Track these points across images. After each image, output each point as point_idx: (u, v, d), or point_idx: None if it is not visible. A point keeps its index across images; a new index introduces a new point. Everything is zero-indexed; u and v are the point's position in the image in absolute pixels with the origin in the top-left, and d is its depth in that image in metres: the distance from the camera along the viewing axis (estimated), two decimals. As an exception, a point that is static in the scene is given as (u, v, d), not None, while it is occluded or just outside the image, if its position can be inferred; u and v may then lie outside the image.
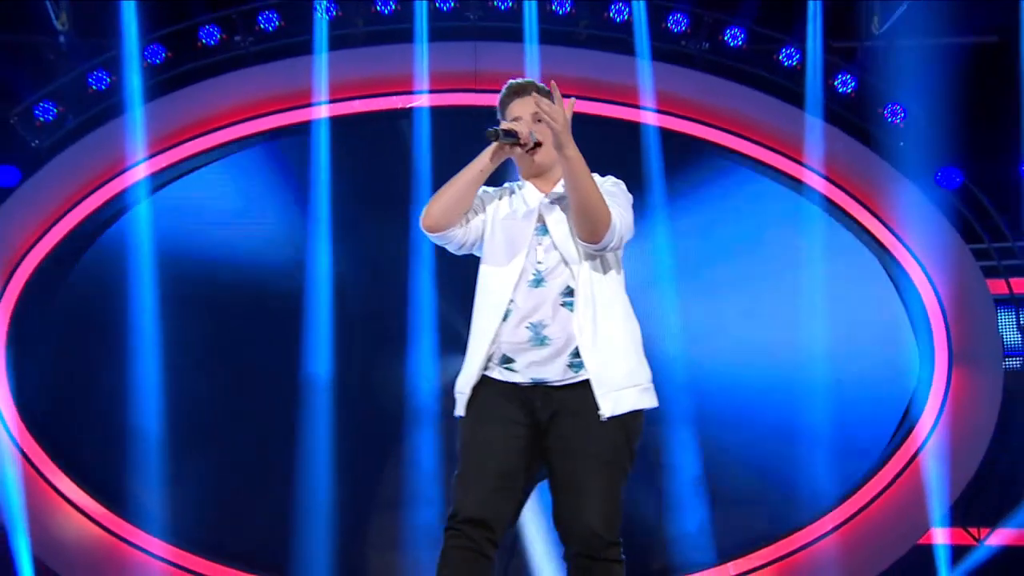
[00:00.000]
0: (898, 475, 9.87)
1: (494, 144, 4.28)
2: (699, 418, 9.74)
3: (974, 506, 9.85)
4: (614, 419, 4.11)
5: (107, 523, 9.63)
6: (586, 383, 4.13)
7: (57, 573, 9.52)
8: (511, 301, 4.23)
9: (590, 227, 4.14)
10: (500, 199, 4.50)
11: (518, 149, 4.33)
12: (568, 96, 4.27)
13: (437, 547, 9.82)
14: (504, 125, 4.35)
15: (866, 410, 10.00)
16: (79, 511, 9.61)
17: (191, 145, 10.11)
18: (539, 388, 4.19)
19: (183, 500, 9.67)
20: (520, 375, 4.21)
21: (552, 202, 4.38)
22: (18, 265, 9.81)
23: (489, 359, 4.25)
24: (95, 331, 9.86)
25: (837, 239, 10.18)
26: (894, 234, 10.13)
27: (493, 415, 4.21)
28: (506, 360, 4.23)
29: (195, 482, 9.75)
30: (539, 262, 4.26)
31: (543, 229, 4.32)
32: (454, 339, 9.63)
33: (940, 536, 9.73)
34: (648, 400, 4.22)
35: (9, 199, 9.88)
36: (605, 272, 4.27)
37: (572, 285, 4.22)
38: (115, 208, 9.99)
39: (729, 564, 9.77)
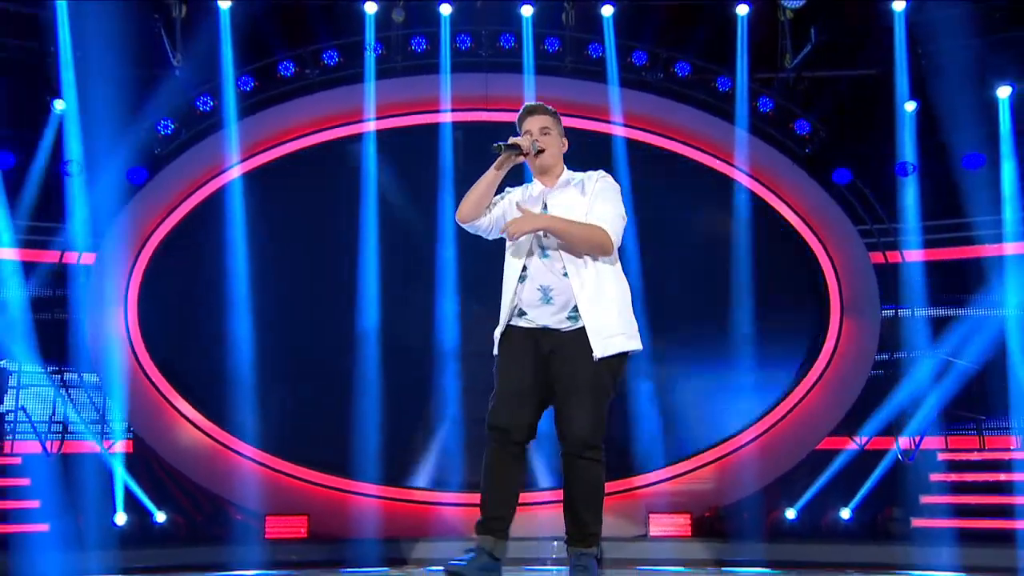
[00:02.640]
0: (802, 398, 10.25)
1: (501, 155, 4.45)
2: (655, 358, 9.88)
3: (857, 420, 10.12)
4: (603, 358, 4.30)
5: (212, 432, 10.01)
6: (582, 329, 4.31)
7: (177, 469, 9.88)
8: (524, 268, 4.44)
9: (597, 250, 4.38)
10: (515, 195, 4.66)
11: (522, 157, 4.47)
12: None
13: (457, 452, 10.39)
14: (510, 140, 4.47)
15: (780, 349, 10.32)
16: (191, 423, 10.00)
17: (272, 152, 10.44)
18: (546, 331, 4.39)
19: (269, 417, 9.89)
20: (531, 322, 4.42)
21: (554, 191, 4.57)
22: (147, 240, 10.17)
23: (512, 312, 4.46)
24: (203, 289, 10.04)
25: (759, 222, 10.43)
26: (801, 218, 10.53)
27: (514, 354, 4.42)
28: (522, 313, 4.44)
29: (278, 404, 10.02)
30: (545, 237, 4.42)
31: (546, 210, 4.50)
32: (469, 301, 9.95)
33: (832, 443, 10.09)
34: (633, 344, 4.36)
35: (139, 192, 10.17)
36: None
37: (568, 257, 4.40)
38: (216, 199, 10.26)
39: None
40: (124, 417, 9.82)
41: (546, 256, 4.42)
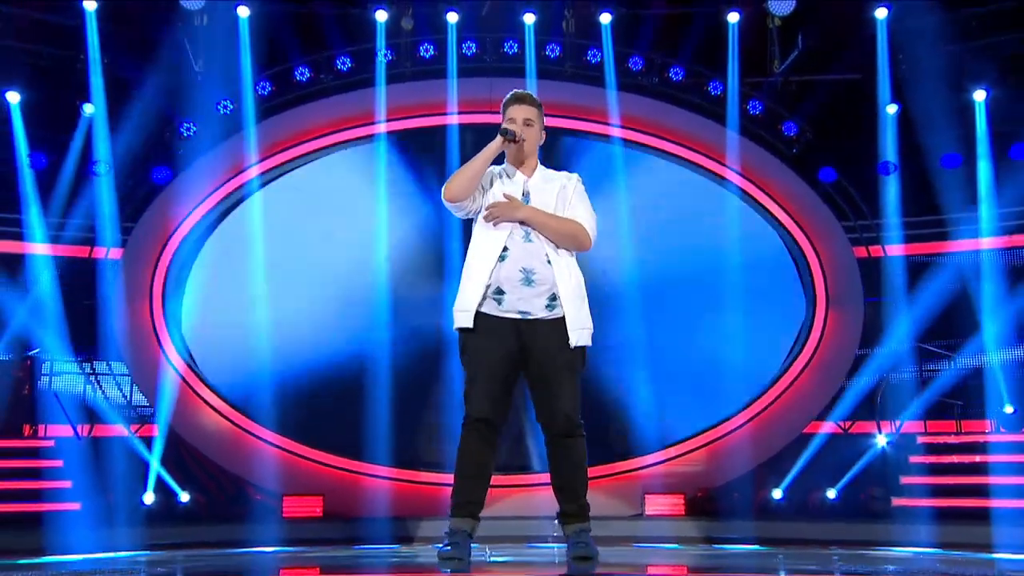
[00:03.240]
0: (790, 384, 10.31)
1: (500, 139, 4.46)
2: (651, 346, 10.02)
3: (841, 405, 10.13)
4: (577, 347, 4.38)
5: (232, 417, 10.06)
6: (560, 319, 4.35)
7: (200, 452, 9.94)
8: (505, 248, 4.37)
9: (576, 245, 4.45)
10: (493, 178, 4.59)
11: (512, 144, 4.49)
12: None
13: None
14: (510, 127, 4.50)
15: (770, 339, 10.37)
16: (213, 409, 10.05)
17: (289, 152, 10.47)
18: (524, 320, 4.33)
19: (286, 402, 9.91)
20: (507, 307, 4.32)
21: (534, 182, 4.57)
22: (172, 234, 10.21)
23: (487, 292, 4.33)
24: (223, 282, 10.11)
25: (749, 218, 10.54)
26: (788, 214, 10.57)
27: (492, 345, 4.31)
28: (498, 291, 4.33)
29: (295, 390, 9.98)
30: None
31: (527, 199, 4.50)
32: None
33: (817, 427, 10.15)
34: (589, 341, 4.44)
35: (165, 190, 10.24)
36: None
37: (551, 247, 4.41)
38: (236, 196, 10.35)
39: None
40: (150, 403, 9.89)
41: (530, 241, 4.40)
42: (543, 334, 4.34)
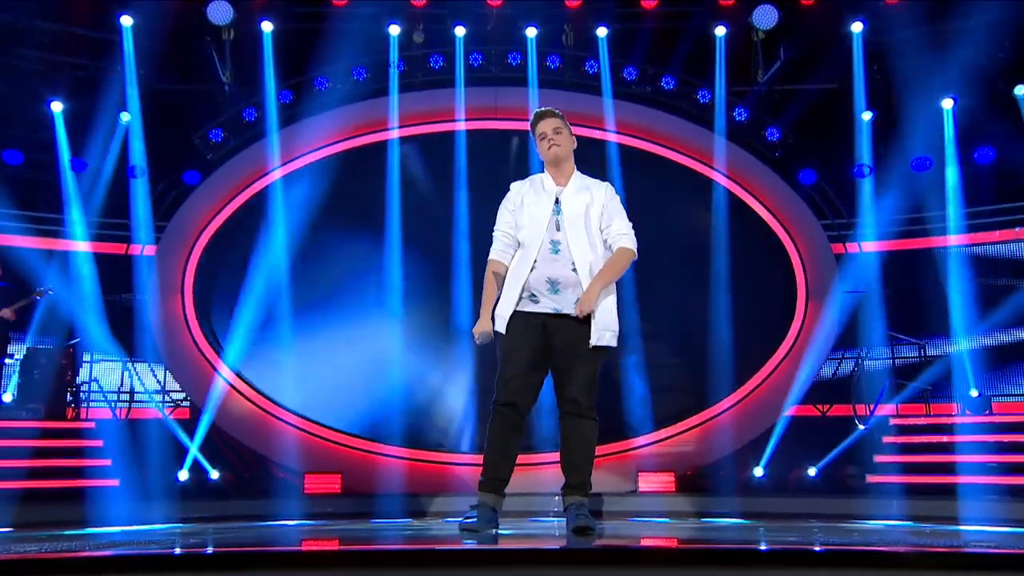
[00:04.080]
0: (774, 370, 10.42)
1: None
2: (646, 336, 10.07)
3: (820, 391, 10.32)
4: (596, 346, 4.42)
5: (258, 401, 10.21)
6: (584, 319, 4.40)
7: (228, 433, 10.03)
8: (535, 261, 4.44)
9: (629, 264, 4.53)
10: (524, 196, 4.61)
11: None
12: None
13: (470, 419, 10.27)
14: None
15: (754, 329, 10.35)
16: (240, 393, 10.17)
17: (309, 156, 10.57)
18: (552, 316, 4.42)
19: (307, 388, 10.04)
20: (539, 307, 4.43)
21: (566, 192, 4.56)
22: (201, 233, 10.39)
23: (521, 296, 4.44)
24: (249, 276, 10.06)
25: (735, 217, 10.57)
26: (772, 213, 10.69)
27: (523, 338, 4.41)
28: (532, 296, 4.43)
29: (315, 376, 10.04)
30: (557, 230, 4.46)
31: (558, 209, 4.51)
32: (481, 287, 10.05)
33: (798, 410, 10.20)
34: (614, 342, 4.47)
35: (194, 192, 10.41)
36: (599, 248, 4.53)
37: (574, 257, 4.43)
38: (261, 198, 10.46)
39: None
40: (182, 388, 10.02)
41: (556, 253, 4.45)
42: (567, 330, 4.43)
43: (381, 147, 10.68)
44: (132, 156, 10.13)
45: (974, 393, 9.86)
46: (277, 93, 10.49)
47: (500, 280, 4.60)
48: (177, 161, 10.53)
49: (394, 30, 10.52)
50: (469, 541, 4.16)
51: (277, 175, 10.48)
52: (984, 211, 10.54)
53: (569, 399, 4.43)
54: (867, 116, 10.51)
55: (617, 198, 4.64)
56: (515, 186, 4.71)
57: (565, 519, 4.48)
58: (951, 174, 10.37)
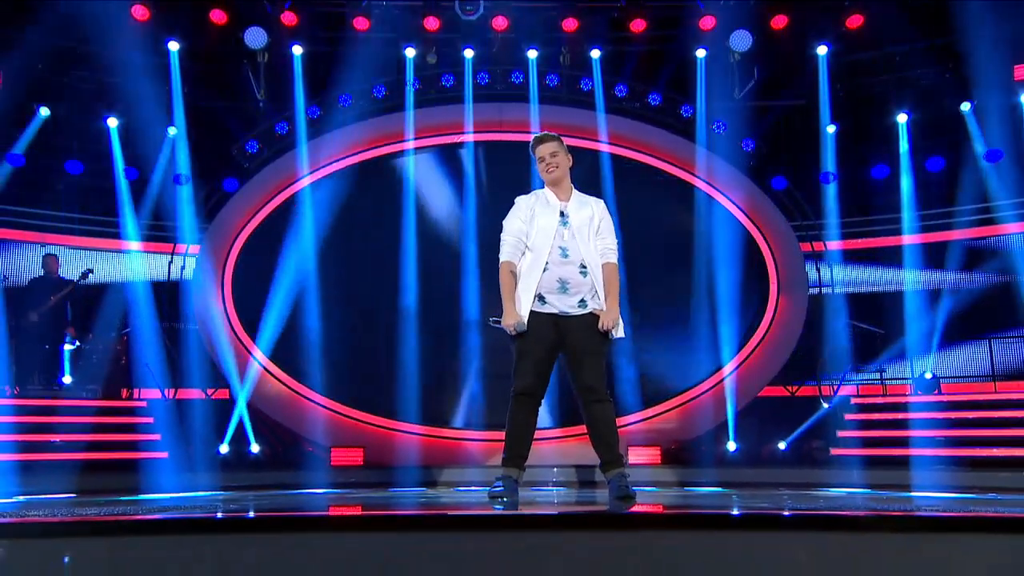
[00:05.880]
0: (747, 357, 10.40)
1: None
2: (634, 325, 9.51)
3: (789, 374, 10.35)
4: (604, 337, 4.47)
5: (289, 383, 10.19)
6: (591, 313, 4.45)
7: (263, 411, 10.04)
8: (546, 264, 4.47)
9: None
10: (534, 209, 4.62)
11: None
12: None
13: (481, 399, 10.16)
14: (496, 322, 4.55)
15: (731, 319, 10.24)
16: (273, 376, 10.17)
17: (334, 165, 10.56)
18: (560, 316, 4.45)
19: (333, 371, 10.00)
20: (549, 307, 4.46)
21: (570, 206, 4.61)
22: (238, 235, 10.42)
23: (534, 298, 4.46)
24: (281, 272, 10.06)
25: (716, 220, 10.55)
26: (747, 216, 10.66)
27: (537, 333, 4.46)
28: (541, 298, 4.47)
29: (341, 361, 10.04)
30: (565, 238, 4.49)
31: (565, 221, 4.55)
32: (487, 282, 9.30)
33: (770, 391, 10.30)
34: (620, 333, 4.51)
35: (232, 198, 10.46)
36: (598, 253, 4.57)
37: (584, 261, 4.48)
38: (291, 203, 10.44)
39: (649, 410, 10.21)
40: (224, 373, 9.99)
41: (566, 256, 4.48)
42: (575, 328, 4.47)
43: (398, 156, 10.67)
44: (178, 165, 10.16)
45: (928, 375, 9.85)
46: (306, 109, 10.50)
47: (516, 278, 4.60)
48: (217, 170, 10.55)
49: (410, 52, 10.54)
50: (498, 507, 4.24)
51: (306, 182, 10.49)
52: (933, 213, 10.51)
53: (586, 387, 4.48)
54: (831, 129, 10.49)
55: (609, 215, 4.68)
56: (522, 200, 4.71)
57: (608, 490, 4.53)
58: (905, 181, 10.33)
